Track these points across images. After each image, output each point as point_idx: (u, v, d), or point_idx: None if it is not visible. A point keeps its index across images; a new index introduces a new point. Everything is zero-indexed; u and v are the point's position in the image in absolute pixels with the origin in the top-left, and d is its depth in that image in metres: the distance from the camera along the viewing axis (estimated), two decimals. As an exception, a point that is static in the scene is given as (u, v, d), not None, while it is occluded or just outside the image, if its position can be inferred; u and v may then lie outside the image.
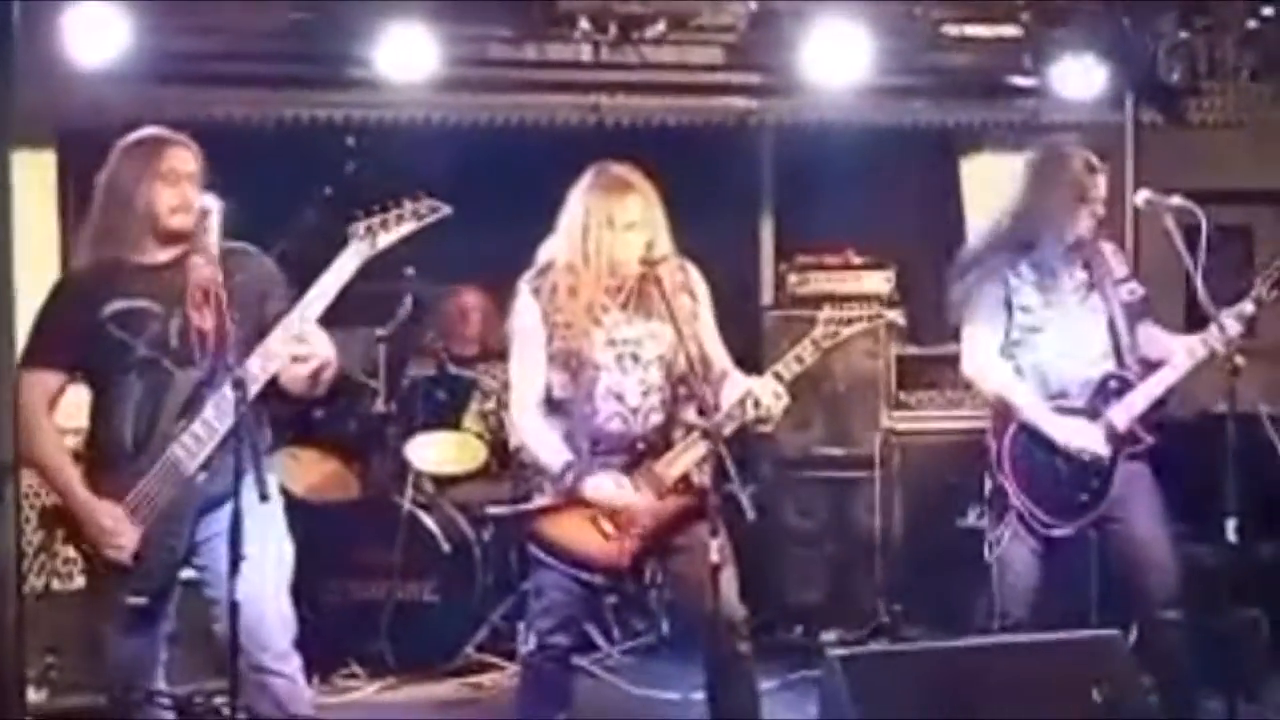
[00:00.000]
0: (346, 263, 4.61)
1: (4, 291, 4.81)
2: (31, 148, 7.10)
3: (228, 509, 4.37)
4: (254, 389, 4.52)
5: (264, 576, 4.59)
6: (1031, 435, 5.60)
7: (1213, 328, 5.47)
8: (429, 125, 7.42)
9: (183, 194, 4.59)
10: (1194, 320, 5.80)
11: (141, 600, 4.61)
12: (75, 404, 4.81)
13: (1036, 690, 4.77)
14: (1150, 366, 5.67)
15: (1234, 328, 5.46)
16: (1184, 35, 7.54)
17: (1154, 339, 5.74)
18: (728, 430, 4.92)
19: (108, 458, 4.63)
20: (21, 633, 5.01)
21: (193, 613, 4.81)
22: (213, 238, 4.57)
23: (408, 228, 4.63)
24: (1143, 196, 5.66)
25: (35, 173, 7.14)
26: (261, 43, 7.00)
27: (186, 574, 4.75)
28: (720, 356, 5.16)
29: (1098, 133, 7.69)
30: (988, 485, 5.71)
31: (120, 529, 4.54)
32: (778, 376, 5.02)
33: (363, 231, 4.60)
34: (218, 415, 4.51)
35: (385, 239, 4.62)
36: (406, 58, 7.02)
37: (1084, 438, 5.56)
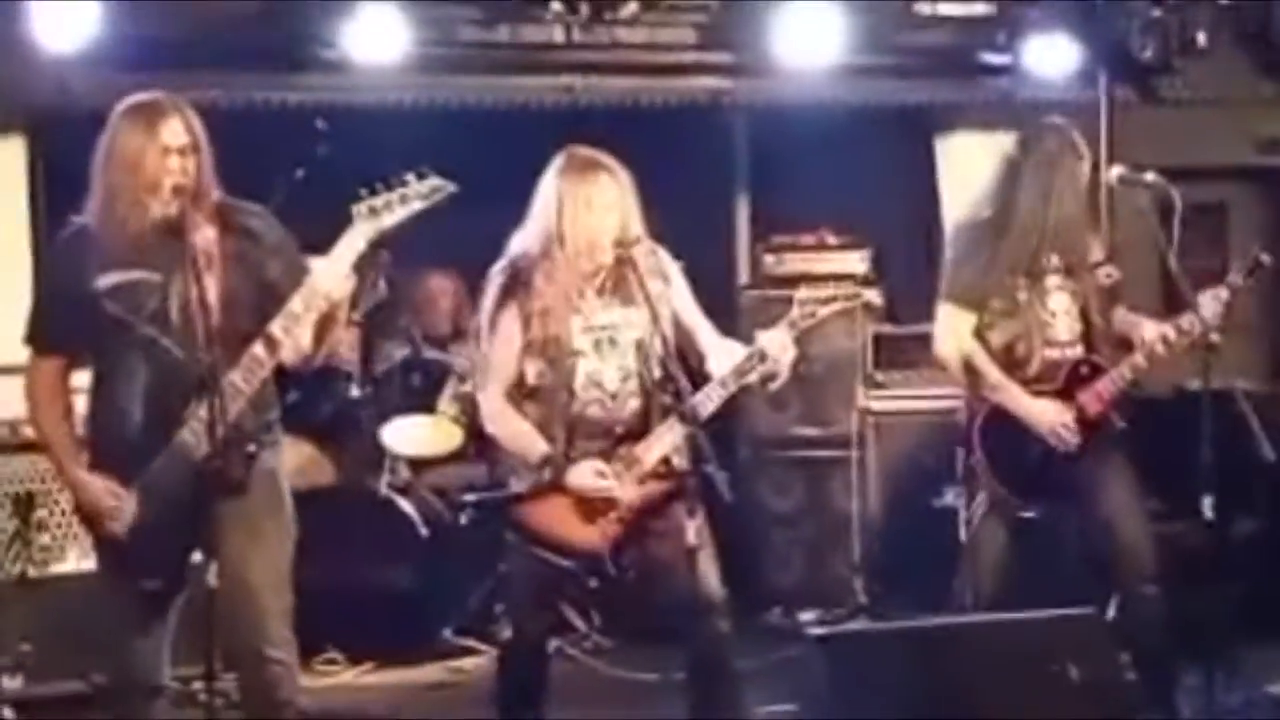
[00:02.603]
0: (352, 243, 4.52)
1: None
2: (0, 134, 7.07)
3: (236, 495, 4.40)
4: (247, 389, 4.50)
5: (268, 564, 4.58)
6: (1003, 417, 5.59)
7: (1187, 313, 5.47)
8: (400, 108, 7.39)
9: (175, 168, 4.50)
10: (1169, 297, 5.80)
11: (156, 585, 4.56)
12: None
13: (1014, 668, 4.78)
14: (1125, 347, 5.66)
15: (1211, 310, 5.46)
16: (1157, 12, 7.54)
17: (1129, 322, 5.74)
18: (701, 408, 4.92)
19: (114, 440, 4.56)
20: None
21: (189, 597, 4.77)
22: (213, 199, 4.55)
23: (414, 207, 4.56)
24: (1116, 173, 5.66)
25: (4, 158, 7.10)
26: (231, 25, 6.96)
27: (195, 558, 4.71)
28: (705, 328, 5.15)
29: (1071, 110, 7.71)
30: (961, 462, 5.72)
31: (120, 506, 4.49)
32: (791, 324, 5.04)
33: (366, 212, 4.52)
34: (230, 399, 4.44)
35: (390, 219, 4.55)
36: (377, 39, 7.00)
37: (1056, 417, 5.55)
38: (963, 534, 5.71)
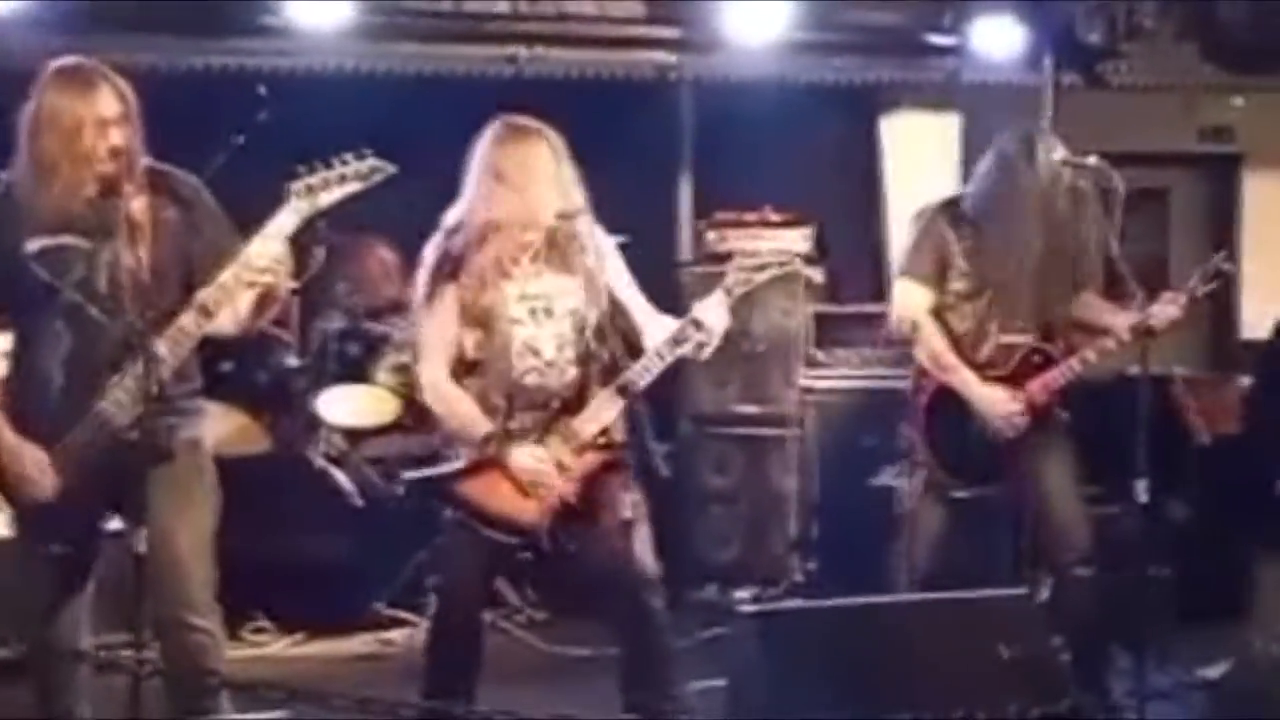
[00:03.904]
0: (286, 220, 4.43)
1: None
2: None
3: (161, 463, 4.37)
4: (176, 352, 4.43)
5: (193, 532, 4.53)
6: (949, 398, 5.60)
7: (1142, 315, 5.49)
8: (342, 74, 7.33)
9: (109, 137, 4.43)
10: (1110, 281, 5.81)
11: (65, 550, 4.50)
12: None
13: (947, 648, 4.79)
14: (1086, 331, 5.67)
15: (1166, 316, 5.48)
16: (1103, -3, 7.56)
17: (1094, 306, 5.74)
18: (639, 380, 4.91)
19: (34, 404, 4.49)
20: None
21: (112, 564, 4.72)
22: (143, 166, 4.48)
23: (351, 188, 4.47)
24: (1060, 157, 5.65)
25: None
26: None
27: (113, 525, 4.66)
28: (639, 303, 5.12)
29: (1016, 93, 7.73)
30: (903, 438, 5.73)
31: (42, 474, 4.43)
32: (727, 291, 5.00)
33: (302, 190, 4.43)
34: (156, 369, 4.35)
35: (326, 199, 4.45)
36: (320, 5, 6.93)
37: (1006, 406, 5.55)
38: (902, 505, 5.71)
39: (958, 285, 5.63)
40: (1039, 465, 5.62)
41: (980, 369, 5.61)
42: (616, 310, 5.03)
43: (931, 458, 5.66)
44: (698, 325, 4.95)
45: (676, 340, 4.95)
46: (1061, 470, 5.64)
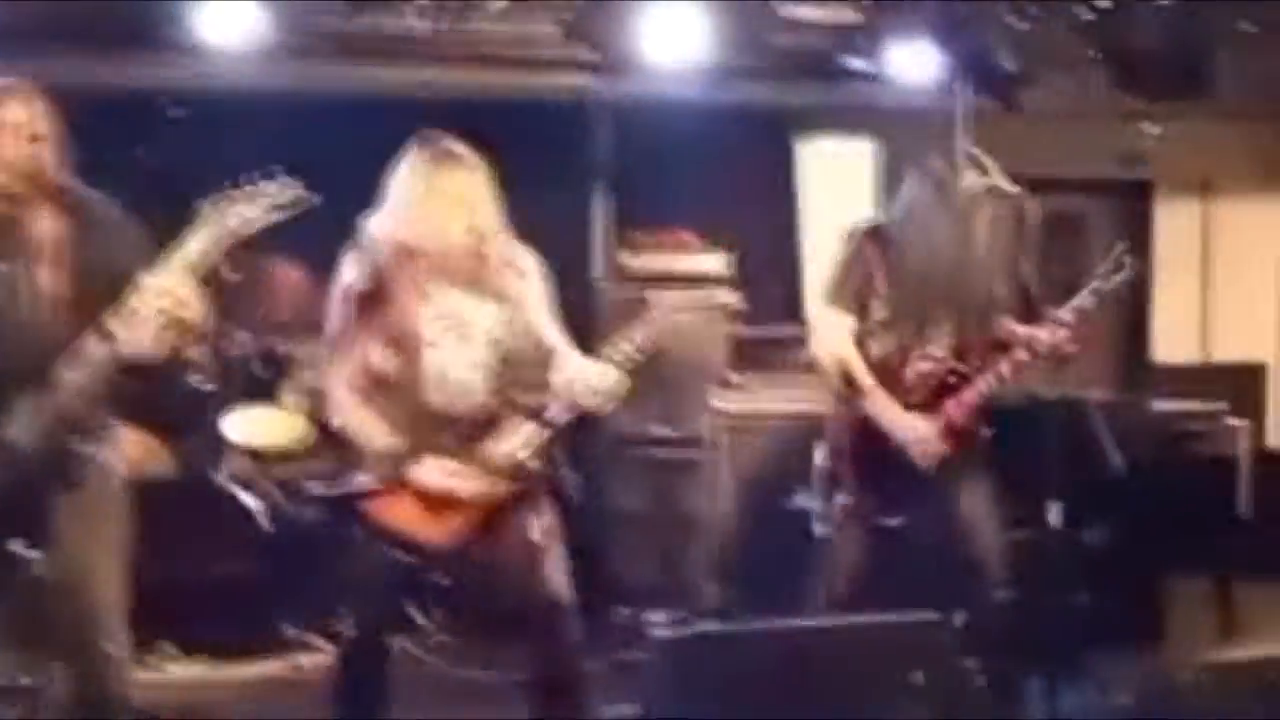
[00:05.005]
0: (195, 244, 4.33)
1: None
2: None
3: (69, 489, 4.35)
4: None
5: (102, 558, 4.49)
6: (870, 424, 5.59)
7: (1050, 322, 5.51)
8: (256, 95, 7.26)
9: (10, 155, 4.36)
10: (1026, 308, 5.84)
11: None
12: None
13: (861, 671, 4.77)
14: (1000, 349, 5.68)
15: (1072, 315, 5.51)
16: (1020, 24, 7.61)
17: (1005, 329, 5.75)
18: (557, 412, 4.90)
19: None
20: None
21: (16, 590, 4.63)
22: (64, 186, 4.42)
23: (267, 215, 4.36)
24: (984, 184, 5.66)
25: None
26: (80, 6, 6.80)
27: (18, 551, 4.57)
28: (553, 337, 5.09)
29: (933, 118, 7.77)
30: (817, 462, 5.72)
31: None
32: (607, 358, 4.97)
33: (215, 213, 4.34)
34: (63, 393, 4.32)
35: (239, 223, 4.34)
36: (235, 25, 6.86)
37: (923, 433, 5.56)
38: (817, 530, 5.71)
39: (880, 314, 5.62)
40: (959, 489, 5.63)
41: (899, 395, 5.60)
42: (531, 336, 5.01)
43: (853, 483, 5.65)
44: (586, 385, 4.91)
45: (593, 390, 4.90)
46: (981, 494, 5.65)
